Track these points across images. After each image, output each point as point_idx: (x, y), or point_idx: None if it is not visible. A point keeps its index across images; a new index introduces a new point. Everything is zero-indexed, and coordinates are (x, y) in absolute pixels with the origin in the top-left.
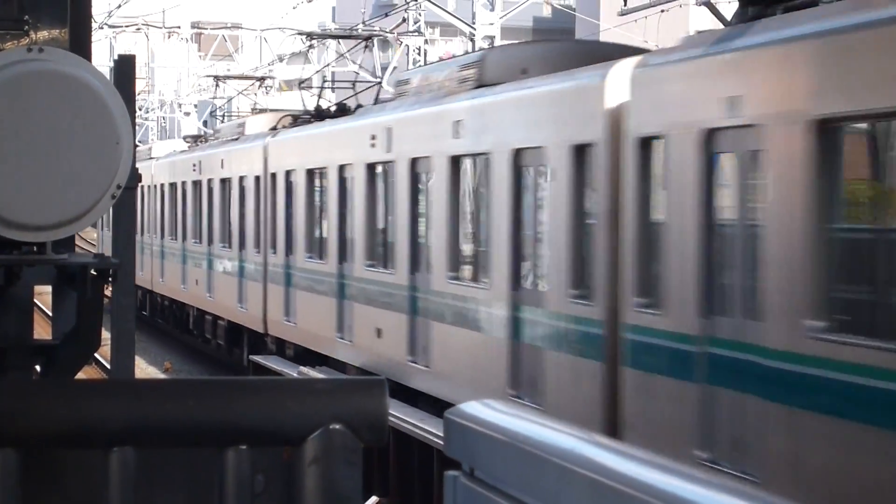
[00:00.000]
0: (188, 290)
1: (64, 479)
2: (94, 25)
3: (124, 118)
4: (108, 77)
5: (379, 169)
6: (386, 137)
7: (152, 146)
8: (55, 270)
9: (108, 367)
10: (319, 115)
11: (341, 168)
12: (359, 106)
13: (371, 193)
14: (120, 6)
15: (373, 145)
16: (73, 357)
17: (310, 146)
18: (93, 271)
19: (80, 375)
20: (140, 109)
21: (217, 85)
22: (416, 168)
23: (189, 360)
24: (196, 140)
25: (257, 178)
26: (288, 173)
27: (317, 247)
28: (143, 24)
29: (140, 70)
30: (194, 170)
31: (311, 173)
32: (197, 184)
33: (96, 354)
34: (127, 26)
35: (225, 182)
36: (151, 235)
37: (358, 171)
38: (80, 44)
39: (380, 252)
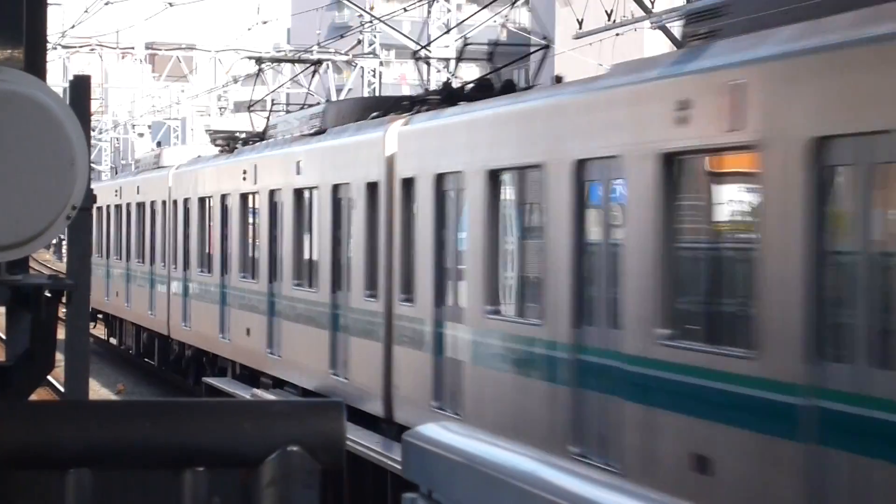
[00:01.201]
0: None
1: (19, 501)
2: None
3: (80, 139)
4: (63, 97)
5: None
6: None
7: (161, 153)
8: (9, 291)
9: (62, 389)
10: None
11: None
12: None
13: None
14: (74, 26)
15: (244, 178)
16: (27, 379)
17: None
18: (47, 292)
19: (33, 398)
20: (94, 130)
21: (260, 70)
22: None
23: (142, 382)
24: (228, 141)
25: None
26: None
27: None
28: (97, 45)
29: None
30: (244, 178)
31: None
32: (248, 198)
33: (49, 377)
34: (81, 47)
35: (302, 193)
36: (168, 266)
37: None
38: (35, 64)
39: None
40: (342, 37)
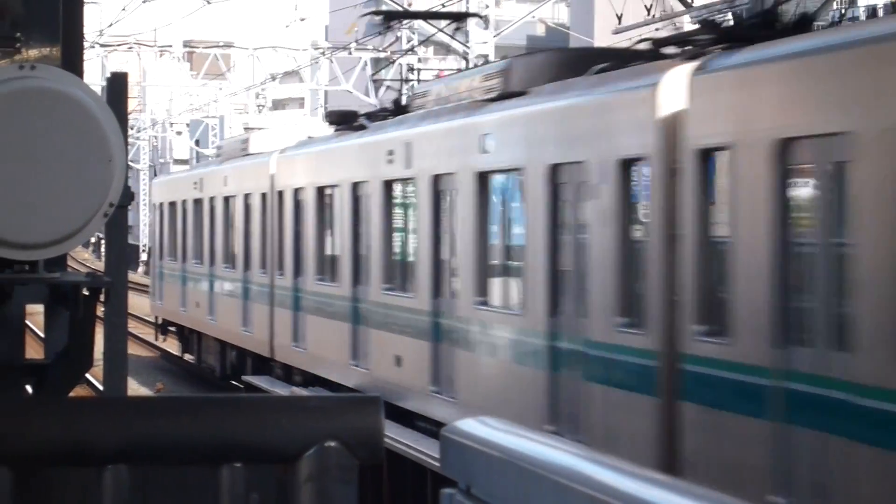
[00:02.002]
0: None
1: (58, 497)
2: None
3: (117, 136)
4: (100, 95)
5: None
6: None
7: (249, 138)
8: (47, 289)
9: (100, 387)
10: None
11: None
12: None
13: (387, 211)
14: (111, 25)
15: (390, 161)
16: (65, 377)
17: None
18: (85, 290)
19: (71, 396)
20: (132, 129)
21: (388, 28)
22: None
23: (181, 381)
24: (345, 119)
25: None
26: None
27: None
28: (134, 44)
29: (132, 89)
30: (390, 160)
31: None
32: (397, 186)
33: (88, 375)
34: (118, 45)
35: (489, 178)
36: (271, 273)
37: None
38: (73, 61)
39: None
40: (380, 33)
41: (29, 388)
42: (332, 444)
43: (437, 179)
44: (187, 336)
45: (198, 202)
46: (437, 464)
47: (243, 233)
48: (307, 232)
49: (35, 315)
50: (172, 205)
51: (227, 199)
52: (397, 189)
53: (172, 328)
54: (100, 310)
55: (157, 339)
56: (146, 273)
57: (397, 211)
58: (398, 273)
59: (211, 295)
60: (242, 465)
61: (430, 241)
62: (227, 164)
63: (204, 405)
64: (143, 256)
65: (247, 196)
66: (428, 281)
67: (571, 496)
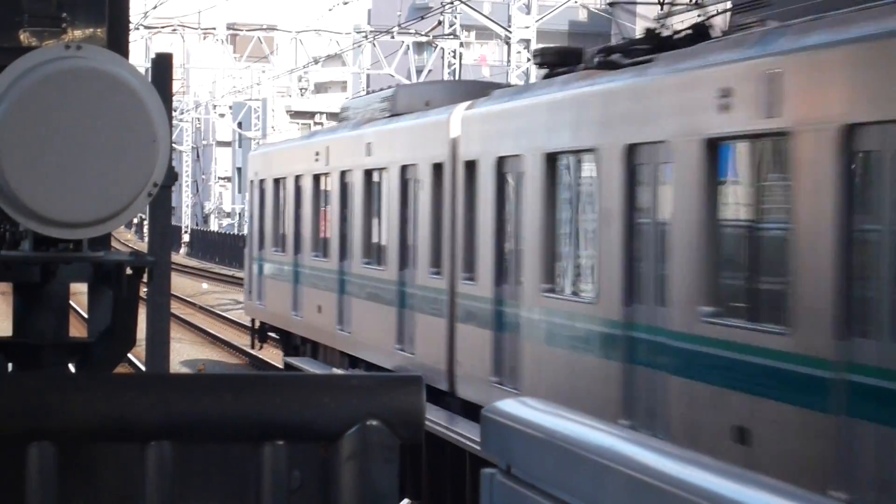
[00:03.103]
0: None
1: (101, 472)
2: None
3: (161, 116)
4: (145, 75)
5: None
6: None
7: (396, 94)
8: (91, 268)
9: (142, 368)
10: None
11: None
12: None
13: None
14: (156, 7)
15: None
16: (108, 355)
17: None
18: (129, 270)
19: (114, 373)
20: (175, 111)
21: None
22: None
23: (223, 362)
24: (569, 59)
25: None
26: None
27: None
28: (178, 26)
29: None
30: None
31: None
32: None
33: (130, 355)
34: (163, 27)
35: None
36: (450, 275)
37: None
38: (118, 42)
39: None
40: (423, 18)
41: (72, 367)
42: (374, 422)
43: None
44: (298, 347)
45: (320, 178)
46: (476, 446)
47: (399, 218)
48: (526, 219)
49: (78, 295)
50: (279, 182)
51: (368, 174)
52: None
53: (274, 334)
54: (143, 291)
55: (253, 346)
56: (188, 254)
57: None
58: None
59: (342, 299)
60: (285, 443)
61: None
62: (367, 128)
63: (247, 383)
64: (185, 238)
65: (405, 169)
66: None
67: (612, 477)
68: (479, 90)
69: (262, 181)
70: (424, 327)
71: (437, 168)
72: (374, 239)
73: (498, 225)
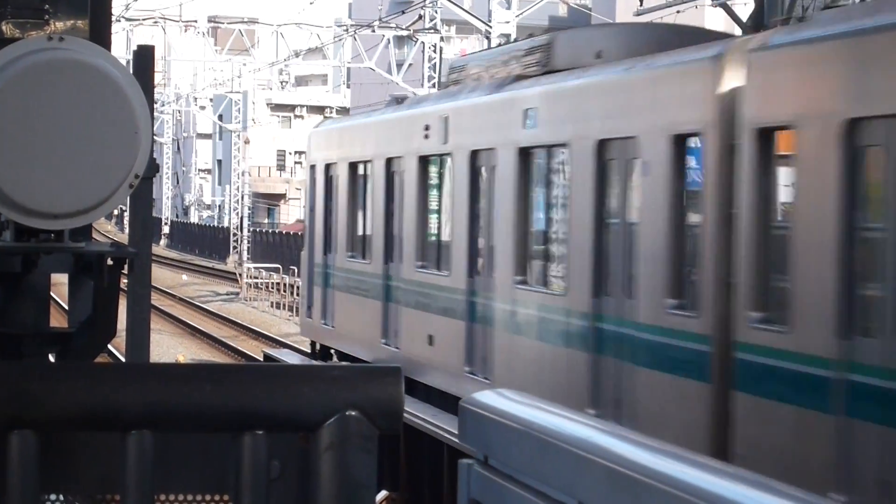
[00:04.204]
0: None
1: (82, 461)
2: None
3: (143, 108)
4: (127, 67)
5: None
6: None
7: (553, 42)
8: (72, 259)
9: (122, 358)
10: None
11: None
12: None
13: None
14: None
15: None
16: (89, 345)
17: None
18: (110, 260)
19: (95, 362)
20: (156, 103)
21: None
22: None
23: (201, 353)
24: None
25: None
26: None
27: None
28: (160, 18)
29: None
30: None
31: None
32: None
33: (110, 346)
34: (144, 19)
35: None
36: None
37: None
38: (100, 34)
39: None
40: (403, 12)
41: (52, 357)
42: (353, 413)
43: None
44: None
45: (428, 161)
46: (453, 438)
47: (593, 219)
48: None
49: (58, 285)
50: (358, 167)
51: (528, 154)
52: None
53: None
54: (123, 282)
55: None
56: (168, 246)
57: None
58: None
59: (475, 330)
60: (264, 433)
61: None
62: (519, 89)
63: (227, 373)
64: (166, 229)
65: (607, 145)
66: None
67: (589, 468)
68: (673, 36)
69: (328, 166)
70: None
71: (680, 142)
72: (536, 247)
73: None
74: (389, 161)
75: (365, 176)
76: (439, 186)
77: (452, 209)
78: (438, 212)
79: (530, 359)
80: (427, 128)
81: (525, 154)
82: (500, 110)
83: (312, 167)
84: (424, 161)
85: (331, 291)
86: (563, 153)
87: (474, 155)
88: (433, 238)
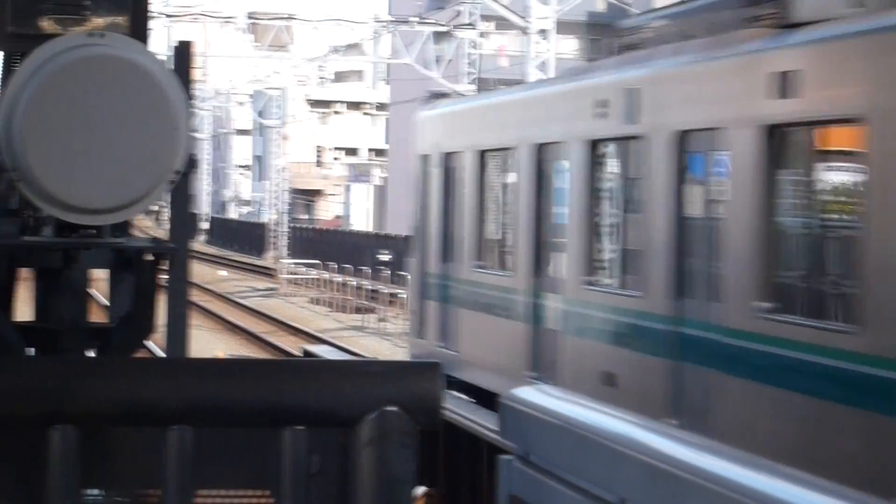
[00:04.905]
0: None
1: (122, 456)
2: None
3: (182, 104)
4: (166, 63)
5: None
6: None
7: None
8: (112, 254)
9: (160, 354)
10: None
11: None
12: None
13: None
14: None
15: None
16: (128, 340)
17: None
18: (149, 256)
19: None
20: (195, 99)
21: None
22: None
23: (240, 348)
24: None
25: None
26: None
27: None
28: (199, 14)
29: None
30: None
31: None
32: None
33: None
34: (183, 15)
35: None
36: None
37: None
38: (140, 30)
39: None
40: (442, 8)
41: (91, 353)
42: (393, 408)
43: None
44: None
45: (604, 146)
46: (492, 434)
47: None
48: None
49: (97, 281)
50: (488, 157)
51: (781, 133)
52: None
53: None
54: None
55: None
56: (207, 242)
57: None
58: None
59: (677, 369)
60: (304, 429)
61: None
62: (774, 48)
63: (267, 369)
64: (204, 225)
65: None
66: None
67: (628, 463)
68: None
69: (446, 156)
70: None
71: None
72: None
73: None
74: (540, 148)
75: (502, 167)
76: (622, 178)
77: (650, 209)
78: (620, 211)
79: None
80: (603, 104)
81: (780, 134)
82: (731, 77)
83: (424, 158)
84: (597, 146)
85: (451, 308)
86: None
87: (685, 137)
88: (608, 247)
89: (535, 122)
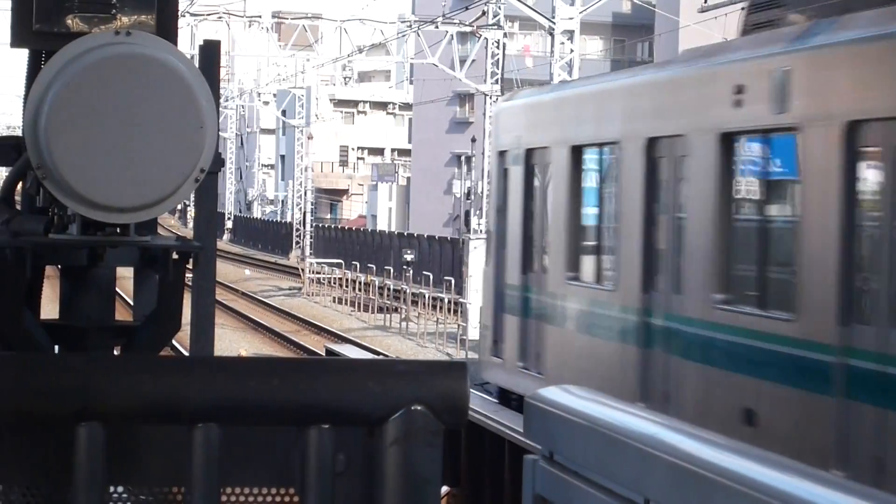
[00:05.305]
0: None
1: (148, 453)
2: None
3: (209, 103)
4: (193, 62)
5: None
6: None
7: None
8: (138, 252)
9: (185, 352)
10: None
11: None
12: None
13: None
14: None
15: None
16: (154, 338)
17: None
18: (175, 254)
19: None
20: (220, 98)
21: None
22: None
23: (263, 347)
24: None
25: None
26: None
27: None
28: (224, 13)
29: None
30: None
31: None
32: None
33: (175, 341)
34: (209, 15)
35: None
36: None
37: None
38: (167, 28)
39: None
40: (467, 8)
41: (117, 351)
42: (419, 408)
43: None
44: None
45: (738, 140)
46: (515, 434)
47: None
48: None
49: (122, 279)
50: (585, 153)
51: None
52: None
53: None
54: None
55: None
56: (231, 241)
57: None
58: None
59: (848, 409)
60: (330, 427)
61: None
62: None
63: (293, 367)
64: (229, 224)
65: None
66: None
67: (655, 464)
68: None
69: (530, 153)
70: None
71: None
72: None
73: None
74: (652, 143)
75: (602, 165)
76: (764, 177)
77: (807, 214)
78: (759, 216)
79: None
80: (739, 90)
81: None
82: None
83: (501, 154)
84: (731, 140)
85: (536, 325)
86: None
87: (855, 129)
88: (746, 260)
89: (646, 113)
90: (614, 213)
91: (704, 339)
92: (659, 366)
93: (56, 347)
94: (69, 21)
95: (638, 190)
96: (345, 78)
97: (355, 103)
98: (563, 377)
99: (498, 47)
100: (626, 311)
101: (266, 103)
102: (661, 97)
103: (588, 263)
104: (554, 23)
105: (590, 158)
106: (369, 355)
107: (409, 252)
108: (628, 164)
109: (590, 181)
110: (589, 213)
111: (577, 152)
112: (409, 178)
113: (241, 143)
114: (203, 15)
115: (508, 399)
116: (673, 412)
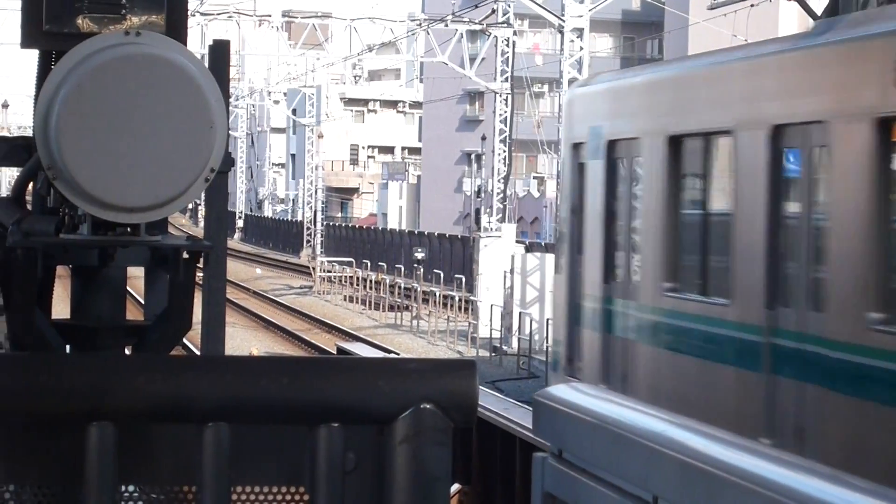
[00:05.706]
0: None
1: (159, 452)
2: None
3: (219, 102)
4: (202, 62)
5: None
6: None
7: None
8: (148, 252)
9: (197, 352)
10: None
11: None
12: None
13: None
14: None
15: None
16: (164, 338)
17: None
18: (185, 254)
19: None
20: (230, 97)
21: None
22: None
23: (275, 346)
24: None
25: None
26: None
27: None
28: (234, 13)
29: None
30: None
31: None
32: None
33: (185, 340)
34: (218, 14)
35: None
36: None
37: None
38: (176, 28)
39: None
40: (477, 6)
41: (128, 350)
42: (428, 406)
43: None
44: None
45: None
46: (526, 432)
47: None
48: None
49: (133, 279)
50: (685, 144)
51: None
52: None
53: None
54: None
55: None
56: (242, 240)
57: None
58: None
59: None
60: (340, 426)
61: None
62: None
63: (303, 366)
64: (240, 223)
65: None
66: None
67: (663, 461)
68: None
69: (612, 145)
70: None
71: None
72: None
73: None
74: (777, 131)
75: (708, 158)
76: None
77: None
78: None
79: None
80: None
81: None
82: None
83: (576, 147)
84: (890, 125)
85: (623, 342)
86: None
87: None
88: None
89: (770, 96)
90: (728, 214)
91: (846, 364)
92: (791, 395)
93: (67, 347)
94: (79, 21)
95: (761, 186)
96: (355, 76)
97: (365, 102)
98: (658, 403)
99: (507, 45)
100: (749, 332)
101: (276, 102)
102: (790, 78)
103: (690, 272)
104: (564, 20)
105: (692, 150)
106: (381, 353)
107: (419, 250)
108: (747, 156)
109: (692, 177)
110: (691, 213)
111: (675, 143)
112: (419, 177)
113: (252, 143)
114: (213, 14)
115: None
116: (800, 443)
